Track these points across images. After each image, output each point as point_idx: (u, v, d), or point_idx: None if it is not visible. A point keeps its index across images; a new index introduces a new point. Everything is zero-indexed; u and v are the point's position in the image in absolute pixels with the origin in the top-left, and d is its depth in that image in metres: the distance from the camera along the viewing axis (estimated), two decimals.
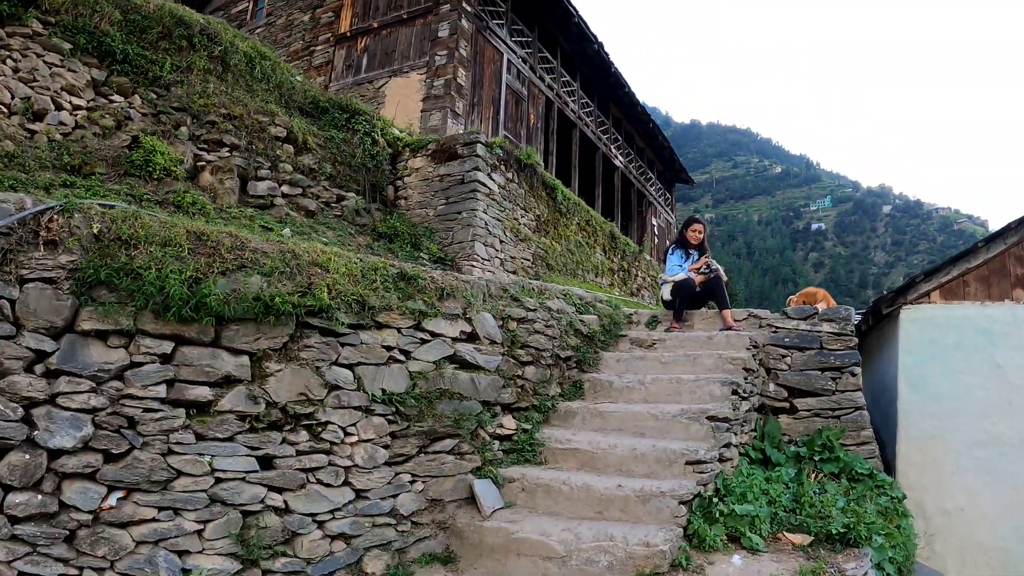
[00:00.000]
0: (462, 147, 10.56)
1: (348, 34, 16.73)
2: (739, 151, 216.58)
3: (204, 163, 8.35)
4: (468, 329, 5.61)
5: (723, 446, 5.58)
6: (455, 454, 5.29)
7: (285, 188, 9.11)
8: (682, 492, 4.78)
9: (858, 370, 7.08)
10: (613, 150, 22.92)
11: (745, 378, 6.47)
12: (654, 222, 26.98)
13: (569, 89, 19.94)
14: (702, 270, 8.22)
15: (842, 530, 4.98)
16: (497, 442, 5.69)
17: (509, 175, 11.31)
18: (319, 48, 17.42)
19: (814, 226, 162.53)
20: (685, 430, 5.63)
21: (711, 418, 5.61)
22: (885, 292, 9.39)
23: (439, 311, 5.36)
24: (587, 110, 21.17)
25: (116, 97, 7.91)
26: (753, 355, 6.90)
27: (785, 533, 5.03)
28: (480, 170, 10.35)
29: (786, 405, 7.10)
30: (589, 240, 14.59)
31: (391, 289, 5.11)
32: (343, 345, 4.71)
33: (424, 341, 5.24)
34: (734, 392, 6.08)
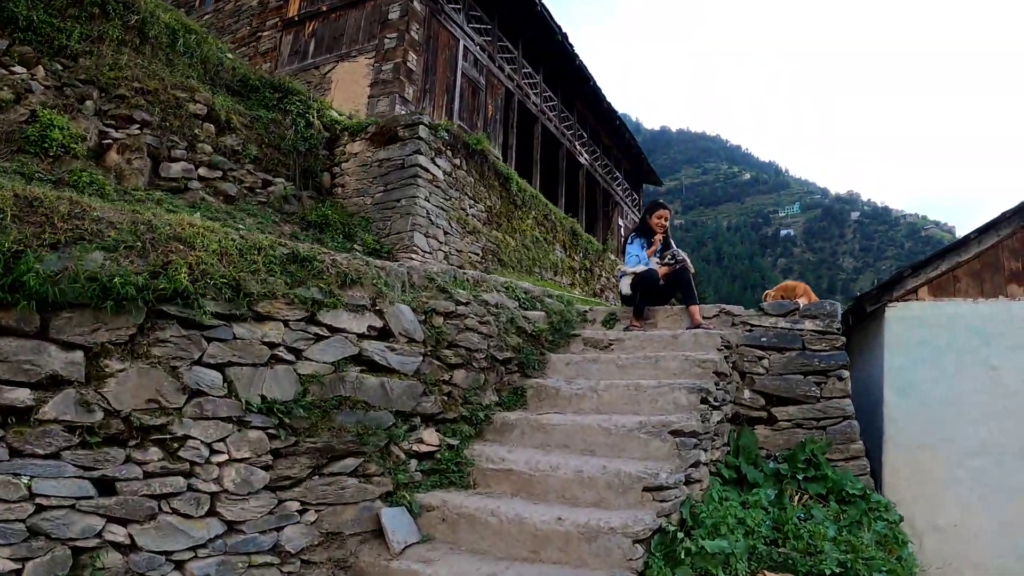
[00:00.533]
0: (403, 129, 9.58)
1: (296, 18, 15.71)
2: (709, 158, 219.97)
3: (111, 141, 7.58)
4: (378, 324, 4.61)
5: (691, 466, 4.63)
6: (359, 476, 4.26)
7: (203, 171, 8.25)
8: (638, 528, 3.78)
9: (846, 374, 6.20)
10: (577, 147, 22.01)
11: (716, 384, 5.52)
12: (620, 223, 26.08)
13: (531, 81, 19.00)
14: (666, 260, 7.30)
15: (837, 569, 4.03)
16: (415, 461, 4.67)
17: (456, 161, 10.34)
18: (266, 34, 16.38)
19: (783, 232, 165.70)
20: (644, 447, 4.66)
21: (675, 432, 4.64)
22: (859, 293, 8.59)
23: (340, 301, 4.36)
24: (550, 104, 20.25)
25: (18, 68, 7.13)
26: (725, 357, 5.99)
27: (767, 573, 4.07)
28: (422, 153, 9.37)
29: (763, 414, 6.17)
30: (547, 236, 13.63)
31: (277, 273, 4.11)
32: (209, 340, 3.71)
33: (320, 337, 4.23)
34: (703, 400, 5.12)
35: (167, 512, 3.44)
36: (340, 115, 10.85)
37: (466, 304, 5.41)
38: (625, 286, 7.34)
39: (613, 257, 18.64)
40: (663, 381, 5.38)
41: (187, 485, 3.53)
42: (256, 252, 4.08)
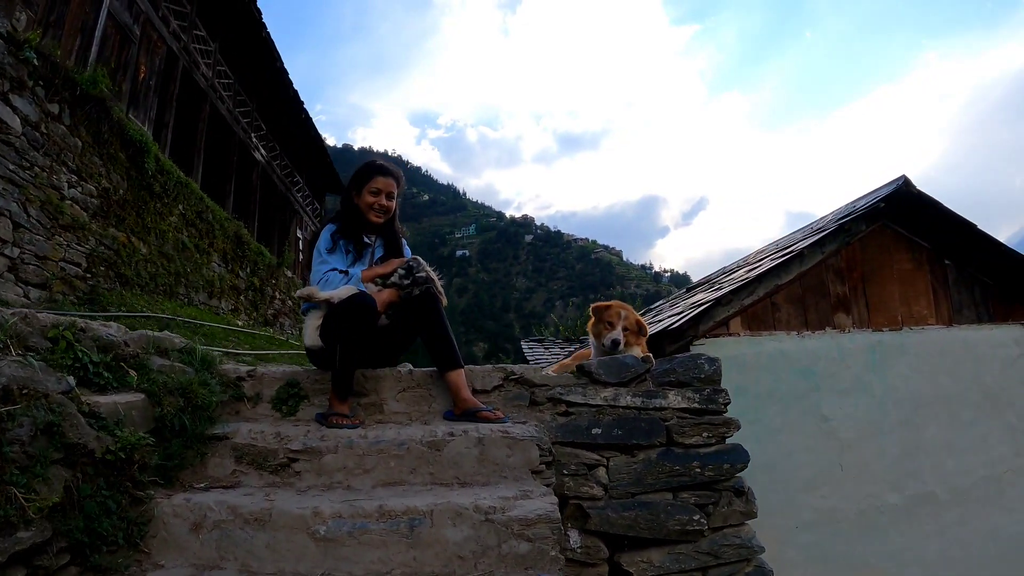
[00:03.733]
0: None
1: None
2: None
3: None
4: None
5: None
6: None
7: None
8: None
9: (744, 483, 3.60)
10: (254, 139, 18.28)
11: None
12: (300, 234, 22.54)
13: (204, 48, 15.12)
14: (393, 280, 4.06)
15: None
16: None
17: (53, 108, 6.62)
18: None
19: (459, 252, 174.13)
20: None
21: None
22: (674, 322, 6.67)
23: None
24: (225, 82, 16.45)
25: None
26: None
27: None
28: None
29: (603, 570, 3.25)
30: (202, 242, 10.03)
31: None
32: None
33: None
34: None
35: None
36: None
37: None
38: (312, 332, 3.97)
39: (290, 274, 15.25)
40: None
41: None
42: None
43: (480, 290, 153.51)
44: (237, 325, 9.74)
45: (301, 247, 22.59)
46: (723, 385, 5.88)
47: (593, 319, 4.54)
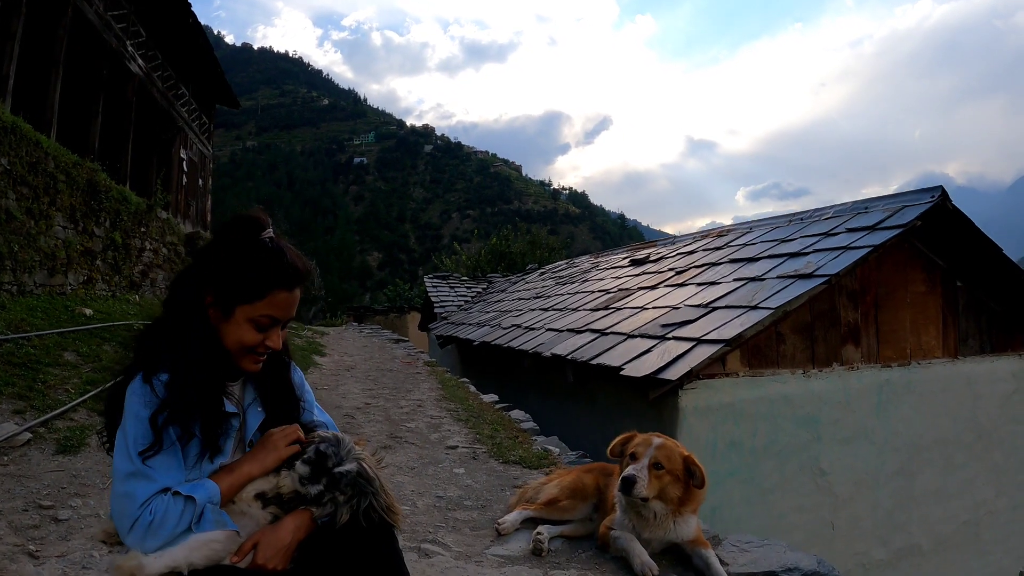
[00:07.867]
0: None
1: None
2: (288, 80, 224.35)
3: None
4: None
5: None
6: None
7: None
8: None
9: None
10: (130, 48, 15.62)
11: None
12: (184, 155, 20.02)
13: None
14: (290, 480, 1.87)
15: None
16: None
17: None
18: None
19: (356, 160, 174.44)
20: None
21: None
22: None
23: None
24: None
25: None
26: None
27: None
28: None
29: None
30: (38, 203, 7.83)
31: None
32: None
33: None
34: None
35: None
36: None
37: None
38: None
39: (166, 215, 13.04)
40: None
41: None
42: None
43: (376, 199, 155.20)
44: (85, 314, 7.70)
45: (186, 168, 20.17)
46: (716, 439, 5.23)
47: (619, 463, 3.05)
